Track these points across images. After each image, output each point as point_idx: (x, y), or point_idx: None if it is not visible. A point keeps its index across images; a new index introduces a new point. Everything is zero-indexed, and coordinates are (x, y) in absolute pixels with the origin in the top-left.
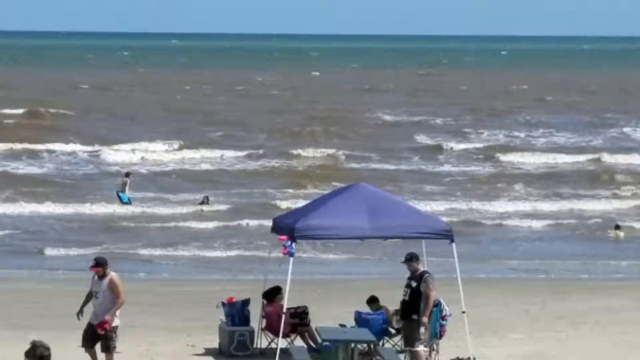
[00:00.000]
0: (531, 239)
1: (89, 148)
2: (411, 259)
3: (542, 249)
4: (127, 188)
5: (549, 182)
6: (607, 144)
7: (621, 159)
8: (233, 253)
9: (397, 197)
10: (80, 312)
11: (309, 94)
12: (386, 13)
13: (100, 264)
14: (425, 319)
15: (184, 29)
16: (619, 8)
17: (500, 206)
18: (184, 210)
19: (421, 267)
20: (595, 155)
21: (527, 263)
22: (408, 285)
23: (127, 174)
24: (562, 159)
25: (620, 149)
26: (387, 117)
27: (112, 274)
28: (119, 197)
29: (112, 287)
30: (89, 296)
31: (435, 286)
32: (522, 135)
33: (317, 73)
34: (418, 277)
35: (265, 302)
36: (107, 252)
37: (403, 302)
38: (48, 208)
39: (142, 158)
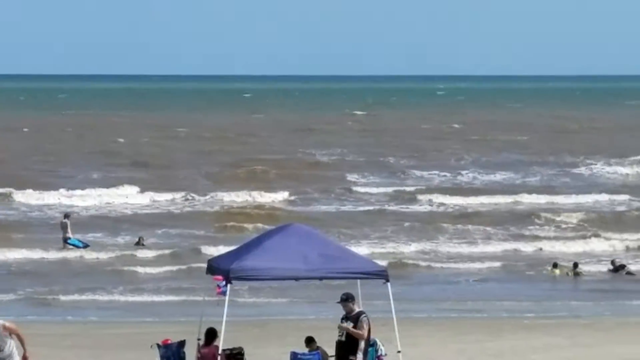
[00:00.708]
0: (467, 278)
1: (21, 192)
2: (347, 299)
3: (478, 288)
4: (69, 230)
5: (484, 221)
6: (542, 183)
7: (558, 199)
8: (167, 295)
9: (331, 238)
10: None
11: (246, 136)
12: (323, 54)
13: None
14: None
15: (120, 70)
16: (556, 47)
17: (435, 246)
18: (116, 253)
19: (357, 308)
20: (532, 195)
21: (463, 302)
22: None
23: (67, 215)
24: (498, 199)
25: (557, 188)
26: (323, 158)
27: (1, 322)
28: (73, 245)
29: (11, 331)
30: None
31: (370, 326)
32: (458, 174)
33: (261, 115)
34: (354, 318)
35: (201, 343)
36: (35, 297)
37: (339, 343)
38: None
39: (75, 201)
